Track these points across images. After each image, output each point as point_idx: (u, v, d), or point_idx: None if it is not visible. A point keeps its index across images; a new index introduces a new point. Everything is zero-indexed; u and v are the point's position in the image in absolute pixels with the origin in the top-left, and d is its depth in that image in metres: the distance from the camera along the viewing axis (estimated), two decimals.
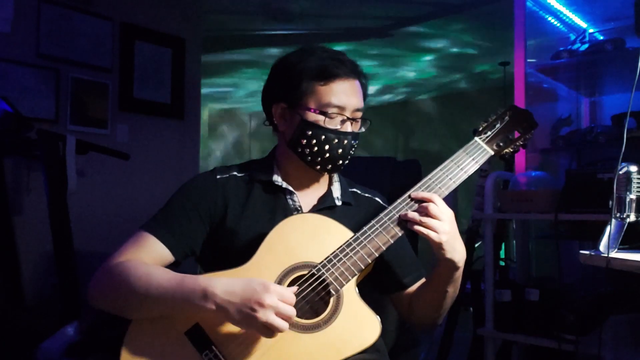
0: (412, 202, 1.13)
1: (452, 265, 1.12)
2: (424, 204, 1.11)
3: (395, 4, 3.96)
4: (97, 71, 2.90)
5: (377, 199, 1.33)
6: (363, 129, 1.23)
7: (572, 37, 2.80)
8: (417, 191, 1.14)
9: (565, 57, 2.53)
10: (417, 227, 1.09)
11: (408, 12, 4.13)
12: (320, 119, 1.16)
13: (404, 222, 1.11)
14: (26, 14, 2.66)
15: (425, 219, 1.09)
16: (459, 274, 1.16)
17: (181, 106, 3.29)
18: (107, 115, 2.93)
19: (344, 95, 1.17)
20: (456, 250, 1.11)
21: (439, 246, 1.09)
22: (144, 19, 3.12)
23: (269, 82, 1.26)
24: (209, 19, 3.87)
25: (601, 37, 2.83)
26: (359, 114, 1.21)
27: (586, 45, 2.52)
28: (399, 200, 1.14)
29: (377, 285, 1.28)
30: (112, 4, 2.98)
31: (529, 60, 2.58)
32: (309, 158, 1.19)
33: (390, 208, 1.13)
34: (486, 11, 4.01)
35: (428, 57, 5.24)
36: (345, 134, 1.18)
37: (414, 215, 1.10)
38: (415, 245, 1.50)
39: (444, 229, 1.09)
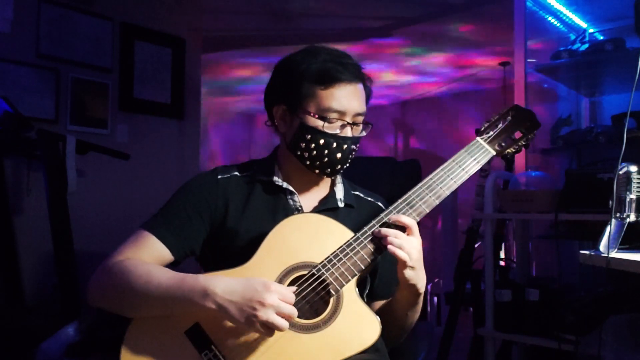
0: (418, 200, 1.14)
1: (415, 290, 1.12)
2: (401, 224, 1.10)
3: (395, 3, 3.96)
4: (97, 71, 2.90)
5: (379, 203, 1.32)
6: (364, 133, 1.22)
7: (572, 37, 2.81)
8: (396, 214, 1.13)
9: (565, 57, 2.54)
10: (390, 246, 1.08)
11: (408, 12, 4.12)
12: (319, 123, 1.15)
13: (378, 240, 1.10)
14: (26, 14, 2.66)
15: (399, 239, 1.08)
16: (420, 299, 1.17)
17: (181, 106, 3.29)
18: (107, 115, 2.93)
19: (345, 100, 1.15)
20: (419, 277, 1.11)
21: (405, 268, 1.08)
22: (144, 19, 3.12)
23: (271, 82, 1.25)
24: (209, 19, 3.87)
25: (601, 37, 2.83)
26: (360, 118, 1.19)
27: (586, 45, 2.52)
28: (399, 201, 1.14)
29: (369, 291, 1.26)
30: (112, 4, 2.98)
31: (529, 60, 2.59)
32: (308, 162, 1.18)
33: (390, 208, 1.13)
34: (486, 11, 4.01)
35: (427, 57, 5.23)
36: (345, 138, 1.17)
37: (388, 231, 1.09)
38: None
39: (414, 255, 1.08)
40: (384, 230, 1.10)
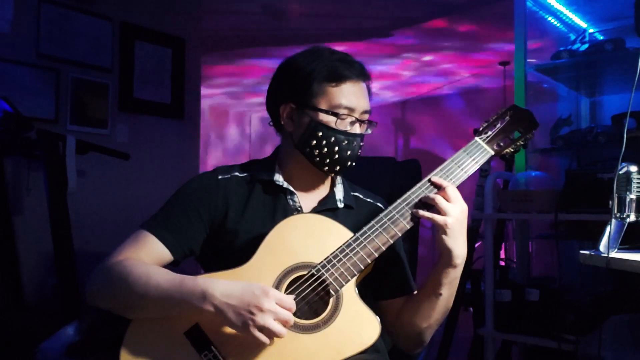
0: (416, 200, 1.13)
1: (451, 258, 1.10)
2: (441, 188, 1.11)
3: (396, 3, 3.96)
4: (97, 71, 2.91)
5: (378, 204, 1.32)
6: (369, 131, 1.23)
7: (572, 37, 2.81)
8: (431, 181, 1.14)
9: (565, 57, 2.53)
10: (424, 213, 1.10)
11: (408, 12, 4.13)
12: (331, 120, 1.16)
13: (421, 204, 1.12)
14: (26, 14, 2.66)
15: (437, 200, 1.09)
16: (456, 274, 1.13)
17: (181, 106, 3.29)
18: (107, 115, 2.94)
19: (353, 97, 1.17)
20: (458, 243, 1.10)
21: (442, 229, 1.08)
22: (144, 19, 3.12)
23: (276, 83, 1.25)
24: (209, 19, 3.87)
25: (601, 37, 2.83)
26: (367, 116, 1.21)
27: (586, 45, 2.52)
28: (398, 201, 1.14)
29: (379, 290, 1.25)
30: (112, 4, 2.98)
31: (529, 60, 2.59)
32: (318, 159, 1.18)
33: (390, 208, 1.13)
34: (486, 11, 4.01)
35: (428, 57, 5.24)
36: (355, 135, 1.18)
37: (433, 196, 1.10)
38: (414, 265, 1.50)
39: (454, 213, 1.08)
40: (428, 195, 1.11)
